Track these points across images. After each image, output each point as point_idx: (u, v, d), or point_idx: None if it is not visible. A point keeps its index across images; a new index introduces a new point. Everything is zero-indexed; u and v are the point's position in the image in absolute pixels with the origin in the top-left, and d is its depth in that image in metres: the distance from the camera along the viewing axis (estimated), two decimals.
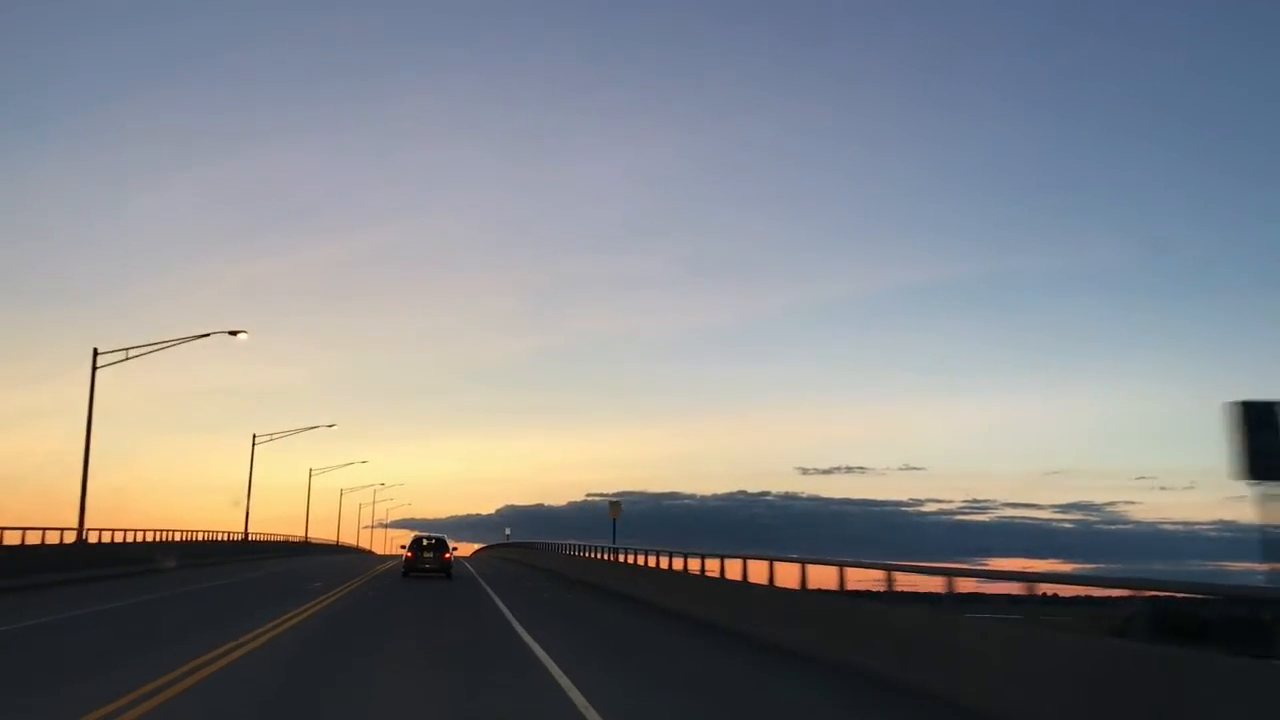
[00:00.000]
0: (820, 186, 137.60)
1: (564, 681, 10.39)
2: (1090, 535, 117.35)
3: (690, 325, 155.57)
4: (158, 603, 20.20)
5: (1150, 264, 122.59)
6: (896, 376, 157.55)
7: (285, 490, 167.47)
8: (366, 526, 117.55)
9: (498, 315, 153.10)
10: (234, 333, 35.24)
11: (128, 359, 31.44)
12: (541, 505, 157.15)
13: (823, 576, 14.24)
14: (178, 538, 40.40)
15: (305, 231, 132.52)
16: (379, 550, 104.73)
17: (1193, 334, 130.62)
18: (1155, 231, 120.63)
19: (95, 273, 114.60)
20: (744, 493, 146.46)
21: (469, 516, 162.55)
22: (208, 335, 34.78)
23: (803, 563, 14.87)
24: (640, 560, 26.22)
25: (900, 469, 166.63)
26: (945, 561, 13.20)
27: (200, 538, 44.57)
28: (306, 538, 72.52)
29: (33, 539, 26.27)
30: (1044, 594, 10.19)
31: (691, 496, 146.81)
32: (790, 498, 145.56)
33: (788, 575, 15.37)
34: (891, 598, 12.06)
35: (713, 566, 19.24)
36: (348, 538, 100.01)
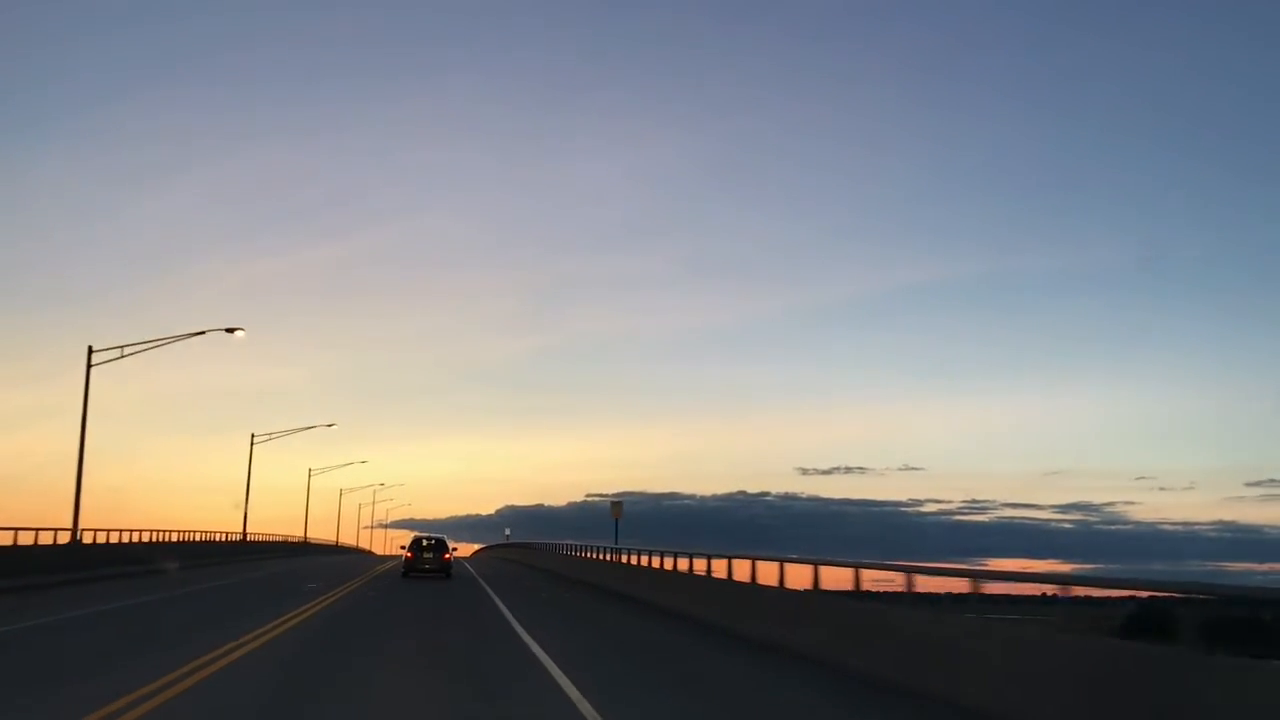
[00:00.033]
0: (820, 187, 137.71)
1: (563, 682, 10.39)
2: (1090, 536, 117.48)
3: (690, 325, 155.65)
4: (153, 605, 20.13)
5: (1150, 264, 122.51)
6: (896, 377, 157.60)
7: (285, 491, 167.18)
8: (366, 527, 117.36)
9: (497, 315, 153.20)
10: (230, 330, 34.96)
11: (123, 356, 31.30)
12: (541, 505, 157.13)
13: (824, 577, 14.24)
14: (174, 538, 40.17)
15: (305, 232, 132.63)
16: (379, 550, 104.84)
17: (1193, 334, 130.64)
18: (1155, 231, 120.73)
19: (95, 273, 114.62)
20: (744, 493, 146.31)
21: (469, 517, 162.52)
22: (203, 333, 34.65)
23: (803, 563, 14.88)
24: (640, 560, 26.21)
25: (900, 469, 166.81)
26: (945, 562, 13.23)
27: (198, 538, 44.34)
28: (305, 538, 72.43)
29: (25, 539, 25.69)
30: (1043, 594, 10.19)
31: (691, 497, 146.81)
32: (790, 498, 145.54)
33: (790, 576, 15.37)
34: (892, 598, 12.06)
35: (715, 567, 19.21)
36: (347, 538, 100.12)
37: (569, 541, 41.60)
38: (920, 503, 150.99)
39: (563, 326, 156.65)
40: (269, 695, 9.37)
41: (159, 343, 33.14)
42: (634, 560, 27.10)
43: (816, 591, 14.31)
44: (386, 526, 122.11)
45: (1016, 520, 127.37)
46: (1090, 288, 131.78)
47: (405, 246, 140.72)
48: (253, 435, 52.28)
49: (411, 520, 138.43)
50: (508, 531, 76.67)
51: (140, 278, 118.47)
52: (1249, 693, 6.64)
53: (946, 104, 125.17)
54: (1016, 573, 10.57)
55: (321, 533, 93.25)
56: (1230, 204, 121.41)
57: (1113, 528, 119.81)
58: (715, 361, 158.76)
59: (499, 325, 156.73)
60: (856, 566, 13.34)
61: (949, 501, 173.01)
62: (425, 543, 35.11)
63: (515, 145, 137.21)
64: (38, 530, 26.63)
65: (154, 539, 36.54)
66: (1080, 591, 9.40)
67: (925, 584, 11.72)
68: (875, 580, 12.83)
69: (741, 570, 17.49)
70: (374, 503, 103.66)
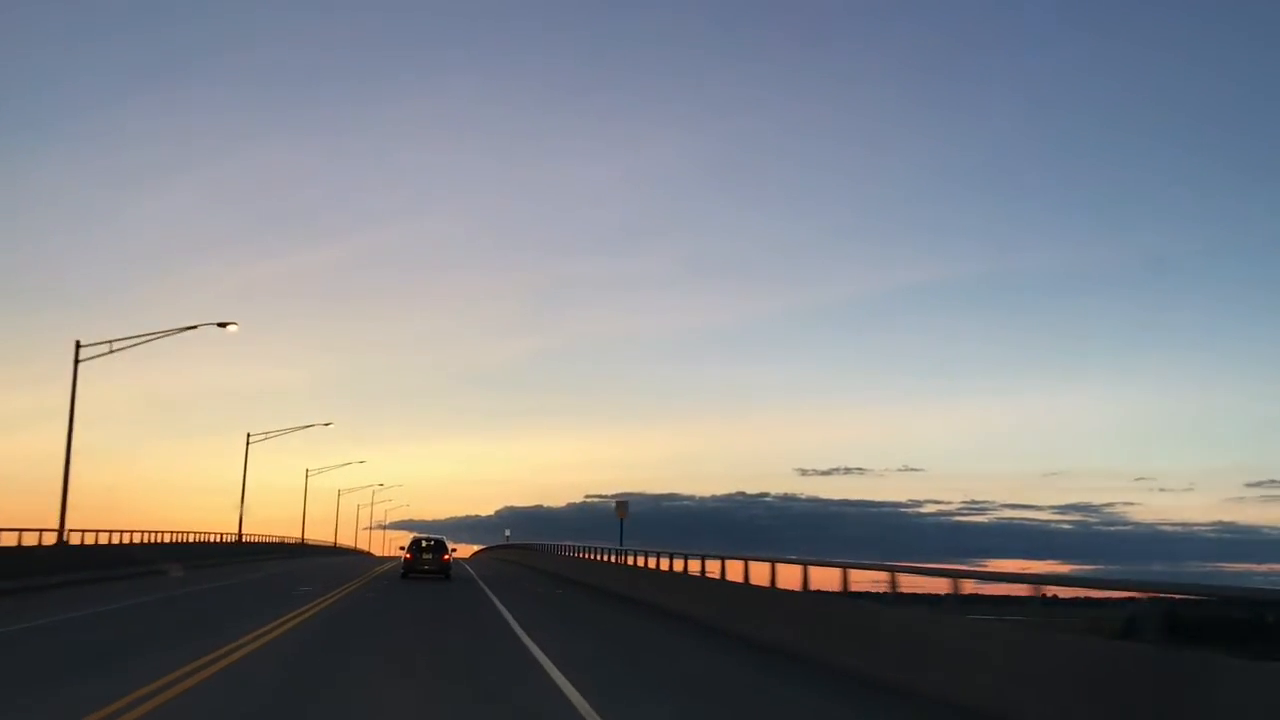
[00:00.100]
0: (820, 187, 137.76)
1: (563, 683, 10.37)
2: (1089, 536, 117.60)
3: (689, 326, 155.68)
4: (148, 607, 20.06)
5: (1150, 263, 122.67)
6: (896, 377, 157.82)
7: (284, 492, 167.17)
8: (365, 528, 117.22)
9: (497, 317, 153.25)
10: (223, 324, 34.57)
11: (112, 352, 30.82)
12: (541, 506, 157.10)
13: (825, 578, 14.24)
14: (167, 539, 39.71)
15: (304, 234, 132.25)
16: (378, 552, 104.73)
17: (1193, 334, 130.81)
18: (1156, 230, 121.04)
19: (94, 274, 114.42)
20: (743, 494, 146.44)
21: (468, 518, 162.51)
22: (195, 327, 34.12)
23: (804, 564, 14.88)
24: (640, 561, 26.19)
25: (899, 470, 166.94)
26: (944, 563, 13.22)
27: (192, 539, 43.89)
28: (303, 539, 72.17)
29: (8, 540, 24.81)
30: (1043, 595, 10.20)
31: (690, 498, 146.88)
32: (789, 499, 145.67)
33: (789, 576, 15.37)
34: (893, 599, 12.06)
35: (713, 568, 19.22)
36: (346, 539, 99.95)
37: (569, 543, 41.62)
38: (920, 503, 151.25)
39: (562, 327, 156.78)
40: (269, 696, 9.35)
41: (148, 338, 32.70)
42: (634, 562, 27.09)
43: (818, 592, 14.31)
44: (385, 527, 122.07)
45: (1016, 521, 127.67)
46: (1090, 287, 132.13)
47: (405, 248, 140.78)
48: (248, 434, 52.12)
49: (411, 521, 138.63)
50: (508, 533, 76.54)
51: (139, 279, 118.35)
52: (1249, 694, 6.64)
53: (946, 104, 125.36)
54: (1016, 573, 10.57)
55: (320, 534, 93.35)
56: (1231, 204, 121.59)
57: (1112, 528, 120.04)
58: (715, 362, 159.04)
59: (498, 326, 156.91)
60: (857, 568, 13.35)
61: (948, 502, 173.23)
62: (424, 544, 35.07)
63: (515, 146, 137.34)
64: (21, 531, 25.67)
65: (145, 539, 36.06)
66: (1080, 592, 9.40)
67: (925, 584, 11.74)
68: (875, 581, 12.84)
69: (742, 571, 17.48)
70: (373, 504, 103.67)
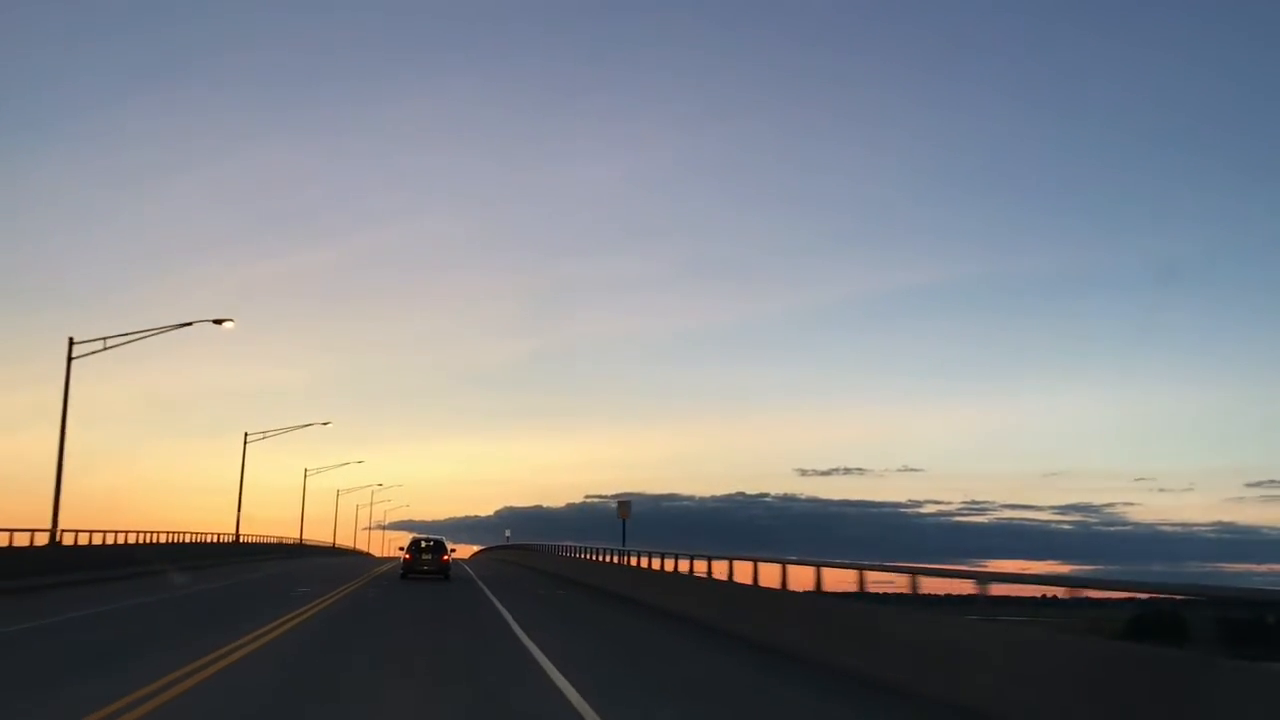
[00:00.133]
0: (820, 188, 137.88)
1: (563, 684, 10.36)
2: (1089, 537, 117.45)
3: (689, 327, 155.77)
4: (130, 610, 19.89)
5: (1150, 263, 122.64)
6: (896, 378, 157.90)
7: (283, 492, 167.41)
8: (364, 528, 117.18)
9: (496, 318, 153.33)
10: (219, 321, 34.42)
11: (106, 349, 30.58)
12: (540, 507, 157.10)
13: (826, 578, 14.20)
14: (164, 539, 39.51)
15: (304, 234, 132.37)
16: (377, 552, 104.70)
17: (1193, 334, 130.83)
18: (1156, 232, 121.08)
19: (93, 275, 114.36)
20: (743, 494, 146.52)
21: (468, 518, 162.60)
22: (190, 324, 33.87)
23: (801, 564, 14.87)
24: (640, 562, 26.16)
25: (899, 470, 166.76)
26: (944, 563, 13.21)
27: (189, 539, 43.70)
28: (301, 539, 72.00)
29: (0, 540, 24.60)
30: (1043, 596, 10.20)
31: (690, 498, 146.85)
32: (789, 499, 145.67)
33: (793, 577, 15.35)
34: (892, 599, 12.06)
35: (718, 568, 19.18)
36: (345, 540, 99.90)
37: (568, 543, 41.56)
38: (919, 504, 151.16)
39: (562, 328, 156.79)
40: (269, 696, 9.34)
41: (143, 334, 32.44)
42: (635, 562, 27.05)
43: (819, 593, 14.29)
44: (385, 528, 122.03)
45: (1016, 521, 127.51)
46: (1090, 288, 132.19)
47: (404, 248, 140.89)
48: (246, 434, 51.92)
49: (410, 522, 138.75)
50: (508, 533, 76.42)
51: (139, 279, 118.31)
52: (1250, 695, 6.63)
53: (946, 104, 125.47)
54: (1016, 574, 10.56)
55: (319, 534, 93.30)
56: (1231, 204, 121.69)
57: (1112, 529, 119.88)
58: (715, 362, 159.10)
59: (498, 327, 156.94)
60: (858, 568, 13.33)
61: (948, 503, 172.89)
62: (424, 544, 35.04)
63: (514, 147, 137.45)
64: (12, 531, 25.39)
65: (141, 540, 35.83)
66: (1080, 593, 9.39)
67: (926, 585, 11.70)
68: (876, 581, 12.82)
69: (744, 572, 17.46)
70: (372, 504, 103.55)
